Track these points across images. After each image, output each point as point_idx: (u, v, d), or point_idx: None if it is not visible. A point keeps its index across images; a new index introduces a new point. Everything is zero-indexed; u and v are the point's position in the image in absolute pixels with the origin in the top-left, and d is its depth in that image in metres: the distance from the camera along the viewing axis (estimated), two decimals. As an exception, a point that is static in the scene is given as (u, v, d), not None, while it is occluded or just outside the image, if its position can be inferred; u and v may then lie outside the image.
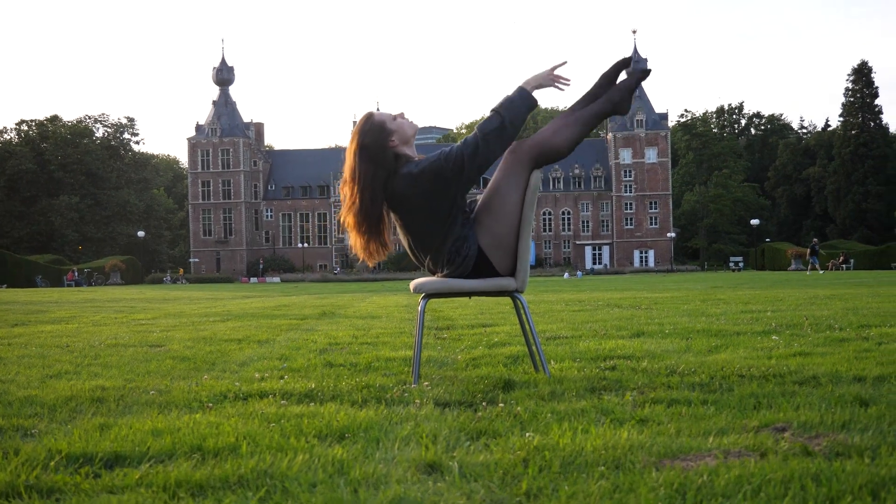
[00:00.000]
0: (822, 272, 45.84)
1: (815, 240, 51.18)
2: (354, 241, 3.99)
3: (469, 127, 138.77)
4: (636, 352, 5.19)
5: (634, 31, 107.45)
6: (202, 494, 2.07)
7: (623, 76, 4.21)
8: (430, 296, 4.03)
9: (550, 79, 3.93)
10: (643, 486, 1.95)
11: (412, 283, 4.07)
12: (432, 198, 3.85)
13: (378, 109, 4.10)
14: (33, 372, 4.76)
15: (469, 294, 4.08)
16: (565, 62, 3.94)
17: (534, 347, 4.26)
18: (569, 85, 3.93)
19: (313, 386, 3.88)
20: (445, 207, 3.86)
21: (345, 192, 3.97)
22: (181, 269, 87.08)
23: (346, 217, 3.97)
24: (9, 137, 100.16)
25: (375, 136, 3.90)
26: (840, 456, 2.25)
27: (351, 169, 3.93)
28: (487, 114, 3.88)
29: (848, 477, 1.98)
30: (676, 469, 2.11)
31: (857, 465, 2.10)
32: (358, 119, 4.04)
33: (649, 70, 4.16)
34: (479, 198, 4.07)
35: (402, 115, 4.00)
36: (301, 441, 2.60)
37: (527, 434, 2.64)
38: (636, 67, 4.21)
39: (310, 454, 2.41)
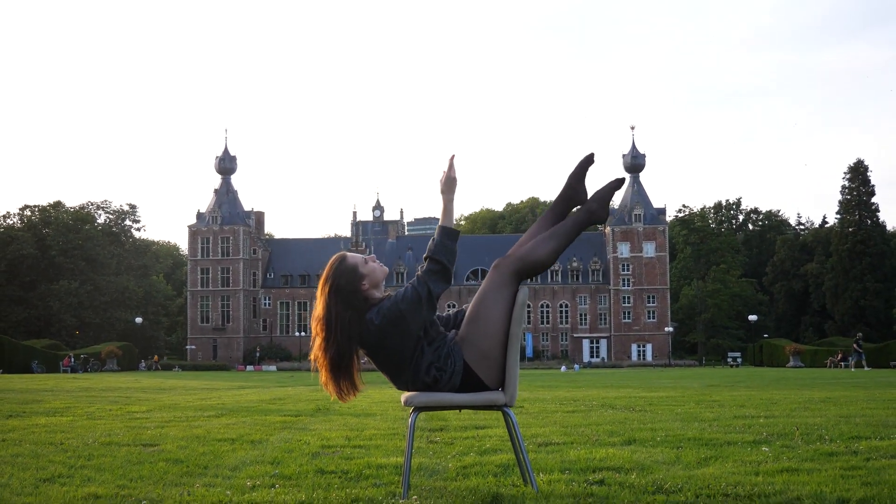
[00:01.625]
0: (867, 369, 43.19)
1: (859, 335, 50.40)
2: (326, 379, 4.06)
3: (469, 219, 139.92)
4: (626, 462, 5.23)
5: (633, 128, 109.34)
6: None
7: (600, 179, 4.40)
8: (419, 409, 4.12)
9: (446, 179, 4.17)
10: None
11: (403, 397, 4.15)
12: (397, 340, 3.99)
13: (351, 252, 4.26)
14: (27, 475, 4.80)
15: (458, 408, 4.16)
16: (453, 155, 4.21)
17: (523, 463, 4.32)
18: (453, 175, 4.17)
19: (304, 497, 3.93)
20: (410, 345, 4.01)
21: (317, 330, 4.06)
22: (156, 356, 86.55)
23: (319, 355, 4.04)
24: (11, 222, 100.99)
25: (349, 278, 4.04)
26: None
27: (325, 308, 4.03)
28: (424, 263, 4.06)
29: None
30: None
31: None
32: (333, 257, 4.18)
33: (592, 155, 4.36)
34: (465, 313, 4.19)
35: (372, 259, 4.17)
36: (288, 563, 2.66)
37: (510, 558, 2.69)
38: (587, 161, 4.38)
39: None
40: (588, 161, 4.36)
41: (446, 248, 4.03)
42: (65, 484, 4.44)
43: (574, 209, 4.34)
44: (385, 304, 4.01)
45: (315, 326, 4.06)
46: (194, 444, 6.65)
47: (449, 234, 4.06)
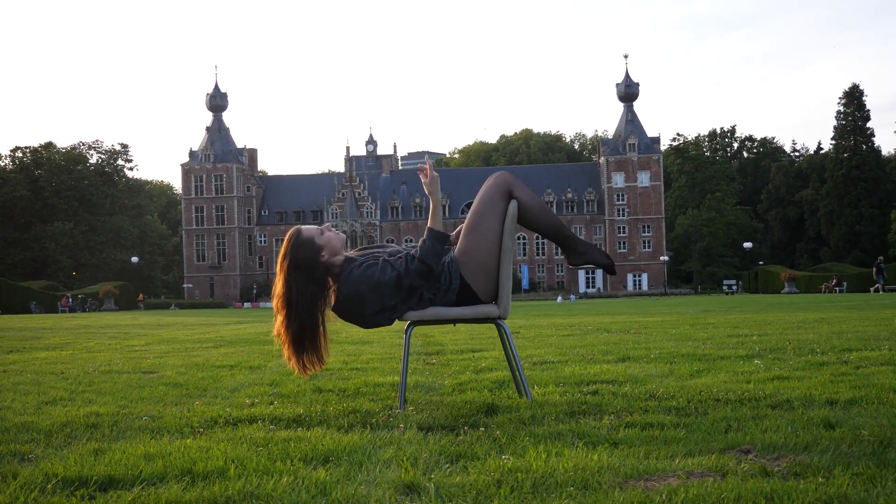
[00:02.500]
0: (882, 293, 42.69)
1: (881, 258, 50.53)
2: (289, 355, 4.04)
3: (462, 151, 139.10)
4: (619, 376, 5.31)
5: (626, 56, 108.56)
6: (191, 515, 2.19)
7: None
8: (414, 323, 4.16)
9: (430, 180, 4.15)
10: (606, 504, 2.07)
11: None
12: (371, 301, 4.03)
13: (307, 225, 4.21)
14: (29, 399, 4.86)
15: (453, 321, 4.20)
16: (426, 158, 4.28)
17: (517, 373, 4.38)
18: (426, 175, 4.17)
19: (301, 411, 3.99)
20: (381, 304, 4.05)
21: (278, 307, 4.05)
22: (141, 295, 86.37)
23: (281, 332, 4.03)
24: (3, 164, 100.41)
25: (307, 251, 4.02)
26: (797, 476, 2.37)
27: (285, 285, 4.02)
28: (414, 262, 4.02)
29: (799, 495, 2.10)
30: (639, 489, 2.23)
31: (810, 484, 2.22)
32: (289, 231, 4.14)
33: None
34: (461, 227, 4.22)
35: (328, 228, 4.15)
36: (287, 464, 2.72)
37: (503, 456, 2.76)
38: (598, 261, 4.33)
39: (294, 476, 2.52)
40: (608, 270, 4.33)
41: (435, 252, 4.02)
42: (66, 406, 4.50)
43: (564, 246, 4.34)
44: (354, 272, 4.01)
45: (276, 303, 4.04)
46: (193, 370, 6.72)
47: (439, 238, 4.03)
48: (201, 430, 3.54)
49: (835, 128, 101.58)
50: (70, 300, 65.92)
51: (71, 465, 2.77)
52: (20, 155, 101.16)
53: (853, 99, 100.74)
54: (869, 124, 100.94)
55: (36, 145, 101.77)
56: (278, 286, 4.05)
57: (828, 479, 2.29)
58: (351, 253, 4.21)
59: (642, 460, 2.63)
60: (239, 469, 2.65)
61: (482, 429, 3.37)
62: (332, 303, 4.06)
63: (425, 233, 4.07)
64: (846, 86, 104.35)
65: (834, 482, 2.25)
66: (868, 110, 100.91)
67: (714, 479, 2.34)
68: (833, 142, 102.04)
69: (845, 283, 62.22)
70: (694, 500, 2.07)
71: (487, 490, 2.33)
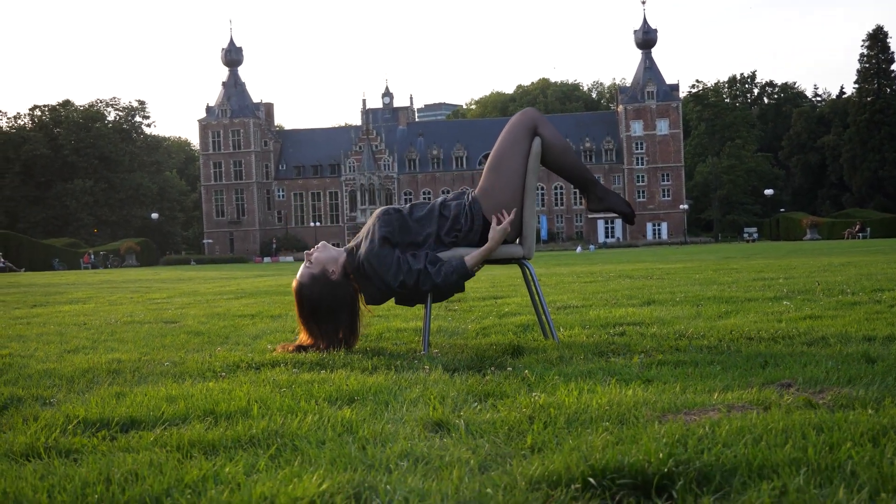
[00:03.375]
0: None
1: None
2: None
3: (479, 102, 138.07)
4: (646, 318, 5.22)
5: (644, 2, 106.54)
6: (214, 453, 2.12)
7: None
8: (438, 264, 4.07)
9: (501, 228, 3.92)
10: (646, 437, 1.98)
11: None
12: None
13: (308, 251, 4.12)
14: (52, 348, 4.83)
15: (477, 262, 4.10)
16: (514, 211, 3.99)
17: (542, 314, 4.30)
18: (508, 227, 3.94)
19: (324, 355, 3.93)
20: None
21: (303, 338, 4.08)
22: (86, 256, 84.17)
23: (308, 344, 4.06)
24: (22, 123, 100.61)
25: (318, 288, 3.96)
26: (843, 408, 2.27)
27: (309, 335, 4.03)
28: (429, 274, 3.85)
29: (849, 426, 2.01)
30: (679, 422, 2.15)
31: (860, 415, 2.13)
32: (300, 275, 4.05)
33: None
34: (483, 167, 4.12)
35: (309, 255, 4.06)
36: (311, 404, 2.65)
37: (533, 394, 2.68)
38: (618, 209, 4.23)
39: (319, 415, 2.45)
40: (626, 219, 4.23)
41: (452, 285, 3.88)
42: (88, 353, 4.46)
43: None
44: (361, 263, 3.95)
45: (304, 339, 4.08)
46: (214, 319, 6.69)
47: (464, 276, 3.88)
48: (223, 374, 3.48)
49: (858, 71, 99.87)
50: (92, 257, 66.37)
51: (92, 407, 2.72)
52: (38, 113, 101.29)
53: (877, 41, 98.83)
54: (893, 67, 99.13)
55: (54, 103, 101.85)
56: (302, 336, 4.08)
57: (876, 411, 2.19)
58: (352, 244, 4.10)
59: (679, 395, 2.54)
60: (262, 409, 2.59)
61: (509, 369, 3.29)
62: (365, 299, 4.04)
63: (457, 264, 3.86)
64: (870, 28, 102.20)
65: (884, 413, 2.15)
66: (893, 52, 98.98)
67: (756, 411, 2.24)
68: (856, 86, 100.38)
69: (868, 229, 61.69)
70: (738, 432, 1.98)
71: (520, 426, 2.25)
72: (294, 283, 4.08)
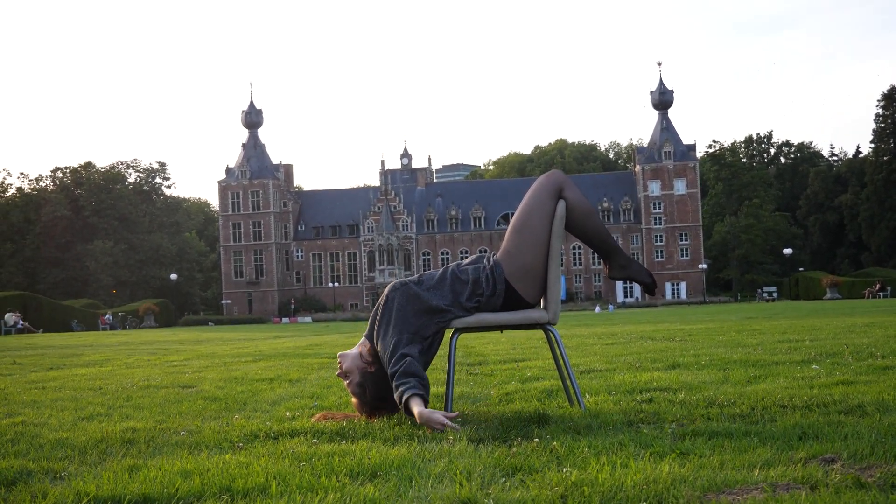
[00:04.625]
0: None
1: None
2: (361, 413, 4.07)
3: (497, 163, 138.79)
4: (673, 384, 5.08)
5: (660, 63, 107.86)
6: (231, 536, 2.01)
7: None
8: (460, 330, 3.97)
9: (439, 421, 3.54)
10: (688, 521, 1.87)
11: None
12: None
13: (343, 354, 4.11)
14: (66, 415, 4.74)
15: (500, 328, 4.02)
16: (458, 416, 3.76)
17: (568, 381, 4.18)
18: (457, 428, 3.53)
19: (345, 424, 3.82)
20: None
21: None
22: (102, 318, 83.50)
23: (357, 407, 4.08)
24: (44, 185, 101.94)
25: (371, 385, 3.93)
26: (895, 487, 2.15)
27: (378, 415, 4.01)
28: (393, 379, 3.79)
29: (904, 509, 1.88)
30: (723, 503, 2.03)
31: (914, 496, 2.00)
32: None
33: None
34: (507, 230, 4.05)
35: (341, 373, 4.03)
36: (332, 480, 2.54)
37: (564, 469, 2.56)
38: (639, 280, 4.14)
39: (341, 493, 2.34)
40: (647, 289, 4.12)
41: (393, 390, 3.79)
42: (103, 421, 4.37)
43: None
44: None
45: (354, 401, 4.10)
46: (232, 384, 6.58)
47: (399, 397, 3.71)
48: (241, 444, 3.38)
49: (874, 131, 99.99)
50: (110, 317, 66.51)
51: (104, 483, 2.62)
52: (60, 175, 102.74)
53: (892, 101, 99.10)
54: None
55: (76, 165, 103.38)
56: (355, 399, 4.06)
57: (931, 491, 2.06)
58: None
59: (718, 471, 2.42)
60: (281, 486, 2.48)
61: (536, 440, 3.17)
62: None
63: (409, 385, 3.67)
64: (885, 88, 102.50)
65: (941, 494, 2.02)
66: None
67: (804, 491, 2.12)
68: (872, 145, 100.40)
69: (889, 288, 61.09)
70: (788, 516, 1.86)
71: (552, 506, 2.13)
72: (354, 402, 4.04)
